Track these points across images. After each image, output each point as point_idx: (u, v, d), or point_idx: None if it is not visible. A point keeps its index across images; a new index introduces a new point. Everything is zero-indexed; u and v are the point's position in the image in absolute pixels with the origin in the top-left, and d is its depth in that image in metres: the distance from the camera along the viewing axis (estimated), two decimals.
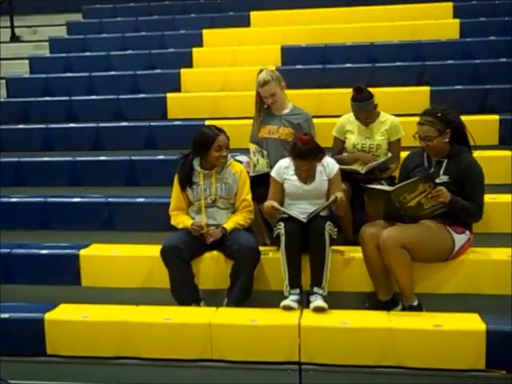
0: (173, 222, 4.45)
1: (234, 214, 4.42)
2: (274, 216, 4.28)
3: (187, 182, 4.39)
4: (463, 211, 3.96)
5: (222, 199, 4.38)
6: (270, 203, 4.20)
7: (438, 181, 3.97)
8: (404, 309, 4.00)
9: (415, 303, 3.98)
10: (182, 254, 4.17)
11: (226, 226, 4.30)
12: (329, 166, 4.31)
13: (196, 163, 4.40)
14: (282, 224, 4.12)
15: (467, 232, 4.07)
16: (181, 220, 4.39)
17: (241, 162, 4.65)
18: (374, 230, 4.02)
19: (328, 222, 4.09)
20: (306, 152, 4.16)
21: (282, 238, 4.09)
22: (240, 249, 4.15)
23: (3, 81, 7.16)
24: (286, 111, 4.79)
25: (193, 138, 4.39)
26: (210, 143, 4.30)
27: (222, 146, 4.31)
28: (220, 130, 4.38)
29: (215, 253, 4.33)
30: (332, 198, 4.14)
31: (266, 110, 4.83)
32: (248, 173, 4.56)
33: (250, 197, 4.43)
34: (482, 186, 4.04)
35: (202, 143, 4.33)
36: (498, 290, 4.05)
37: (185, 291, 4.19)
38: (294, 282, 4.07)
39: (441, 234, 3.98)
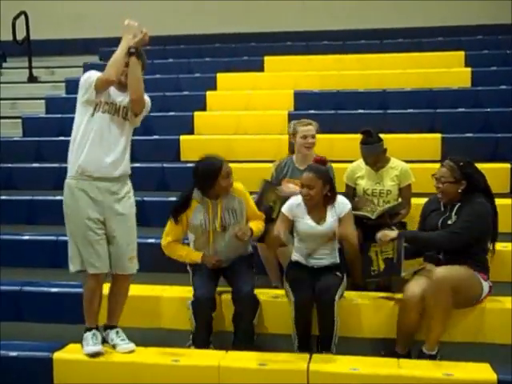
0: (171, 253, 4.35)
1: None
2: (280, 244, 4.17)
3: (182, 212, 4.27)
4: (427, 242, 4.08)
5: (232, 226, 4.29)
6: (276, 232, 4.03)
7: (449, 222, 4.03)
8: (420, 355, 3.92)
9: (434, 352, 3.91)
10: (212, 305, 4.15)
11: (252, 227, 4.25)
12: (339, 204, 4.19)
13: (197, 195, 4.27)
14: (291, 293, 4.06)
15: (488, 280, 4.06)
16: (184, 253, 4.31)
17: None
18: (420, 289, 3.95)
19: (338, 290, 4.03)
20: (310, 166, 4.20)
21: (292, 308, 4.05)
22: (237, 295, 4.13)
23: (19, 120, 7.28)
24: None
25: (195, 171, 4.26)
26: (218, 172, 4.17)
27: (229, 172, 4.23)
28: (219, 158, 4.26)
29: (224, 296, 4.32)
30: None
31: (291, 163, 4.86)
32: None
33: (256, 209, 4.41)
34: (473, 222, 3.97)
35: (209, 173, 4.18)
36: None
37: (205, 337, 4.16)
38: (303, 346, 4.06)
39: (476, 280, 3.99)
